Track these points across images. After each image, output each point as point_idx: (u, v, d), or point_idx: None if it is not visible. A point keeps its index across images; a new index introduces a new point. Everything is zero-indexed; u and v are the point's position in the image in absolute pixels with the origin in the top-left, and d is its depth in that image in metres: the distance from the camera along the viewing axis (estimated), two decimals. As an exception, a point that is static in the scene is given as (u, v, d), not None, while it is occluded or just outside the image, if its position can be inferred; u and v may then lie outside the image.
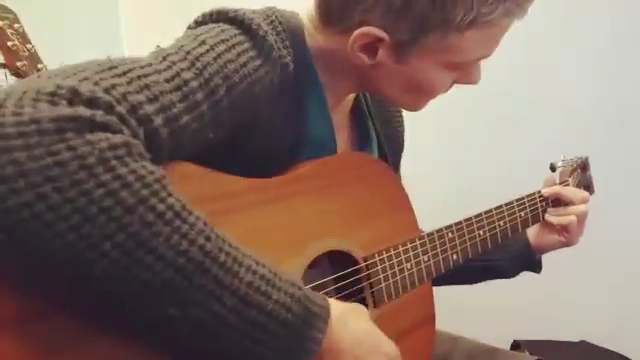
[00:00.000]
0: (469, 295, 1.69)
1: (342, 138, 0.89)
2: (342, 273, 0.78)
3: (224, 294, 0.53)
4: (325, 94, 0.81)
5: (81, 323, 0.52)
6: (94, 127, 0.49)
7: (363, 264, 0.80)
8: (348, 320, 0.64)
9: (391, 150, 0.97)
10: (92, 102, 0.50)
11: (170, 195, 0.52)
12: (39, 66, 1.17)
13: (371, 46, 0.74)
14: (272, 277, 0.58)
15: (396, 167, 1.02)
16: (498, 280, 1.18)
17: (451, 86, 0.82)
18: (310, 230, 0.75)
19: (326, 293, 0.76)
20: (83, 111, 0.49)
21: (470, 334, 1.53)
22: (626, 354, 1.81)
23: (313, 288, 0.74)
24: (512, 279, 1.17)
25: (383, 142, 0.95)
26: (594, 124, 1.82)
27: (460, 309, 1.83)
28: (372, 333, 0.68)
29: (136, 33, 1.91)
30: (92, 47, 1.72)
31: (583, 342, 1.88)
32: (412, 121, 1.02)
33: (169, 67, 0.60)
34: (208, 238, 0.53)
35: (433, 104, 0.85)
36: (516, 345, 1.87)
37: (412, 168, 1.06)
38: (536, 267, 1.08)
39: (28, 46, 1.16)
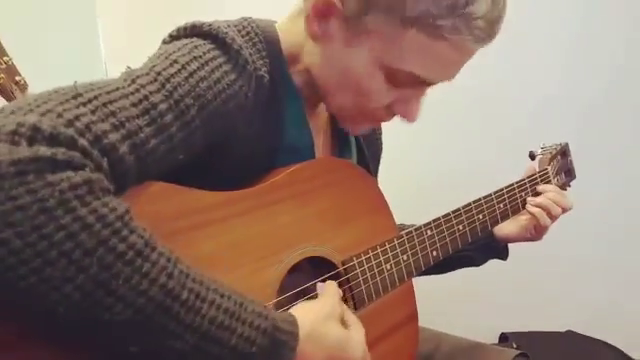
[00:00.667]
0: (458, 291, 1.68)
1: (320, 143, 0.87)
2: (321, 278, 0.75)
3: (186, 332, 0.52)
4: (302, 101, 0.79)
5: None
6: (56, 167, 0.48)
7: (341, 268, 0.77)
8: (316, 337, 0.63)
9: (370, 153, 0.95)
10: (53, 139, 0.48)
11: (132, 232, 0.50)
12: (17, 78, 1.14)
13: (325, 13, 0.71)
14: (237, 309, 0.57)
15: (375, 170, 0.99)
16: (485, 275, 1.15)
17: (389, 115, 0.78)
18: (287, 237, 0.72)
19: (308, 299, 0.74)
20: (44, 151, 0.47)
21: (459, 329, 1.50)
22: (611, 342, 1.81)
23: (294, 295, 0.72)
24: (500, 273, 1.15)
25: (362, 145, 0.93)
26: (572, 113, 1.81)
27: (449, 305, 1.81)
28: (342, 343, 0.66)
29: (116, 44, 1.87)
30: (70, 58, 1.67)
31: (569, 332, 1.88)
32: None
33: (137, 90, 0.58)
34: (170, 275, 0.52)
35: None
36: (504, 338, 1.86)
37: (391, 163, 1.03)
38: (502, 255, 1.07)
39: (5, 59, 1.13)
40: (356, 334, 0.69)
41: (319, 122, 0.86)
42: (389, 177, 1.02)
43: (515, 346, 1.77)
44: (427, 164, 1.82)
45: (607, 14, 1.80)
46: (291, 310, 0.64)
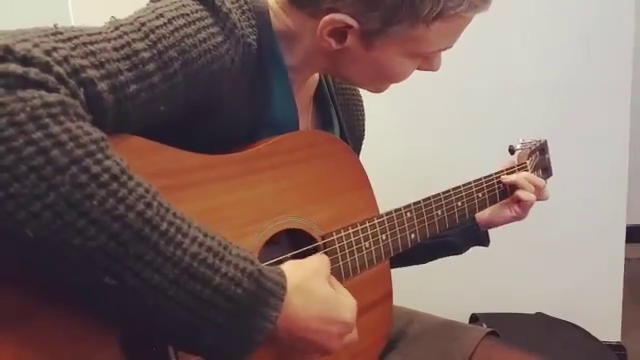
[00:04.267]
0: (429, 271, 1.67)
1: (305, 121, 0.84)
2: (299, 251, 0.73)
3: (165, 265, 0.48)
4: (289, 76, 0.76)
5: (20, 295, 0.48)
6: (27, 84, 0.44)
7: (321, 242, 0.75)
8: (305, 291, 0.61)
9: (352, 137, 0.93)
10: (26, 60, 0.45)
11: (108, 157, 0.47)
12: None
13: (340, 31, 0.70)
14: (221, 250, 0.53)
15: (357, 151, 0.98)
16: (457, 257, 1.14)
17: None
18: (268, 208, 0.70)
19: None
20: (14, 67, 0.44)
21: (429, 309, 1.51)
22: (580, 324, 1.81)
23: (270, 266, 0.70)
24: (472, 256, 1.14)
25: (345, 129, 0.91)
26: (553, 108, 1.79)
27: (420, 285, 1.81)
28: (330, 301, 0.63)
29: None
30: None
31: (539, 314, 1.88)
32: (373, 103, 0.98)
33: (120, 36, 0.55)
34: (149, 205, 0.48)
35: (393, 87, 0.81)
36: (474, 318, 1.86)
37: (372, 150, 1.02)
38: (484, 241, 1.05)
39: None
40: (345, 297, 0.66)
41: (305, 99, 0.83)
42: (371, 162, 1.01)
43: (485, 327, 1.78)
44: (403, 151, 1.80)
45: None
46: (275, 260, 0.63)
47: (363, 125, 0.98)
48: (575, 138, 1.77)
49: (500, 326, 1.76)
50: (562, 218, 1.83)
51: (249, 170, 0.69)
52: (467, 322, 1.87)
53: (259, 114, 0.73)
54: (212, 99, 0.66)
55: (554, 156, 1.10)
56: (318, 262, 0.66)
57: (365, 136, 0.99)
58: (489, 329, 0.90)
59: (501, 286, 1.90)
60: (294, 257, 0.73)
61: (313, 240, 0.75)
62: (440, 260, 1.07)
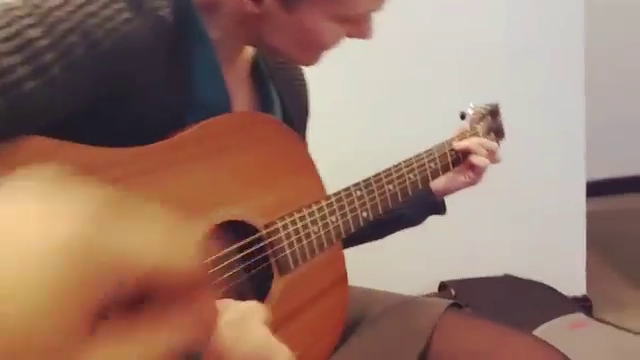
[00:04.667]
0: (395, 244, 1.64)
1: (240, 102, 0.78)
2: (240, 244, 0.68)
3: None
4: (215, 51, 0.69)
5: None
6: None
7: (264, 232, 0.70)
8: (240, 327, 0.55)
9: (296, 115, 0.87)
10: None
11: None
12: None
13: None
14: None
15: (302, 133, 0.92)
16: (422, 227, 1.11)
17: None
18: (200, 200, 0.64)
19: (231, 264, 0.67)
20: None
21: (399, 282, 1.49)
22: (546, 282, 1.82)
23: (215, 260, 0.65)
24: (436, 223, 1.11)
25: (287, 107, 0.85)
26: (504, 71, 1.76)
27: (387, 259, 1.79)
28: (266, 343, 0.55)
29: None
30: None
31: (507, 276, 1.88)
32: (318, 77, 0.92)
33: (9, 24, 0.48)
34: None
35: (339, 58, 0.76)
36: (443, 286, 1.85)
37: (320, 126, 0.96)
38: (440, 210, 1.01)
39: None
40: (282, 346, 0.57)
41: (238, 75, 0.77)
42: (319, 141, 0.96)
43: (454, 293, 1.77)
44: (354, 124, 1.75)
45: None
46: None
47: (307, 102, 0.92)
48: (530, 98, 1.75)
49: (469, 291, 1.78)
50: (523, 179, 1.82)
51: (175, 160, 0.63)
52: (436, 290, 1.86)
53: (182, 95, 0.66)
54: (123, 83, 0.59)
55: (510, 118, 1.06)
56: (255, 306, 0.58)
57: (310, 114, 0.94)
58: (451, 301, 0.87)
59: (468, 252, 1.89)
60: (241, 250, 0.68)
61: (255, 230, 0.70)
62: (406, 232, 1.03)
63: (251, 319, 0.56)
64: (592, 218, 1.94)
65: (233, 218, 0.68)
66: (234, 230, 0.70)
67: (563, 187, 1.85)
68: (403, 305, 0.90)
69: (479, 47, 1.74)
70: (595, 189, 2.01)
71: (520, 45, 1.75)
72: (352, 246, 0.99)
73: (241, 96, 0.79)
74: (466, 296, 1.73)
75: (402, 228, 1.01)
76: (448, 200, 1.03)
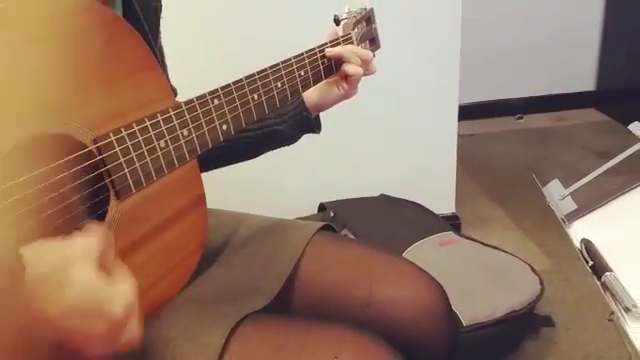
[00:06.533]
0: (275, 166, 1.57)
1: None
2: (61, 161, 0.54)
3: None
4: None
5: None
6: None
7: (92, 147, 0.57)
8: (57, 280, 0.44)
9: (145, 9, 0.72)
10: None
11: None
12: None
13: None
14: None
15: (154, 30, 0.77)
16: (301, 148, 1.02)
17: None
18: (5, 110, 0.50)
19: (59, 187, 0.54)
20: None
21: (278, 206, 1.42)
22: (419, 201, 1.85)
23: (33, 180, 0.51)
24: (316, 145, 1.03)
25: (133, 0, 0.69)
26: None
27: (266, 182, 1.71)
28: (91, 294, 0.46)
29: None
30: None
31: (382, 196, 1.89)
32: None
33: None
34: None
35: None
36: (322, 208, 1.82)
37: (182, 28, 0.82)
38: (315, 128, 0.92)
39: None
40: (119, 285, 0.48)
41: None
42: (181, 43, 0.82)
43: (332, 215, 1.74)
44: (219, 27, 1.59)
45: None
46: (25, 248, 0.44)
47: None
48: (406, 15, 1.69)
49: (347, 212, 1.76)
50: (396, 101, 1.79)
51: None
52: (316, 212, 1.83)
53: None
54: None
55: (384, 32, 0.97)
56: (82, 244, 0.47)
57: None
58: (321, 223, 0.80)
59: (346, 175, 1.86)
60: (57, 172, 0.54)
61: (84, 147, 0.56)
62: (284, 152, 0.93)
63: (70, 268, 0.45)
64: (462, 140, 1.98)
65: (50, 131, 0.53)
66: (62, 149, 0.56)
67: (436, 110, 1.85)
68: (273, 229, 0.82)
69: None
70: (465, 113, 2.04)
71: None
72: (221, 166, 0.88)
73: None
74: (344, 217, 1.71)
75: (276, 146, 0.92)
76: (325, 120, 0.94)
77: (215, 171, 0.86)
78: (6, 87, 0.50)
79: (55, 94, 0.54)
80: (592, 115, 3.02)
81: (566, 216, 1.00)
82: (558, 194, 1.17)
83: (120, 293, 0.47)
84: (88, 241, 0.48)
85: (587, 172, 1.63)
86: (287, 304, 0.75)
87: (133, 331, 0.48)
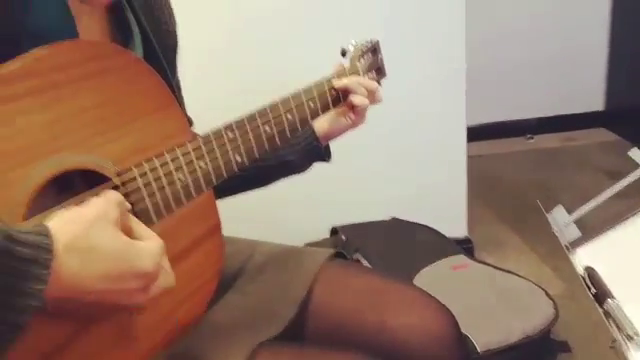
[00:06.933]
0: (285, 191, 1.60)
1: (89, 31, 0.67)
2: (86, 193, 0.58)
3: None
4: None
5: None
6: None
7: (117, 180, 0.61)
8: (83, 249, 0.47)
9: (163, 47, 0.76)
10: None
11: None
12: None
13: None
14: None
15: (172, 66, 0.82)
16: (312, 174, 1.06)
17: None
18: (36, 145, 0.54)
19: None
20: None
21: (292, 227, 1.45)
22: (430, 224, 1.87)
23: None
24: (328, 169, 1.07)
25: (151, 38, 0.74)
26: (386, 10, 1.73)
27: (276, 207, 1.75)
28: (119, 254, 0.50)
29: None
30: None
31: (394, 219, 1.91)
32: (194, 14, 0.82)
33: None
34: None
35: None
36: (334, 231, 1.84)
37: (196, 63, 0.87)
38: (325, 157, 0.96)
39: None
40: (143, 242, 0.53)
41: (86, 5, 0.65)
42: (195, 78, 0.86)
43: (344, 238, 1.77)
44: (232, 60, 1.65)
45: None
46: (45, 220, 0.48)
47: (174, 31, 0.82)
48: (413, 40, 1.74)
49: (359, 236, 1.79)
50: (405, 124, 1.83)
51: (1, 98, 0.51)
52: (328, 235, 1.86)
53: (16, 21, 0.56)
54: None
55: (391, 58, 1.02)
56: (100, 207, 0.51)
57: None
58: (331, 250, 0.83)
59: (357, 196, 1.89)
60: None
61: (108, 179, 0.60)
62: (296, 178, 0.97)
63: (94, 231, 0.49)
64: (473, 162, 2.01)
65: (78, 166, 0.58)
66: (88, 182, 0.60)
67: (445, 132, 1.89)
68: (286, 256, 0.85)
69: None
70: (474, 134, 2.07)
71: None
72: (235, 194, 0.92)
73: (92, 26, 0.68)
74: (357, 241, 1.73)
75: (288, 175, 0.96)
76: (335, 146, 0.98)
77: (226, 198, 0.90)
78: (41, 125, 0.54)
79: (83, 131, 0.58)
80: (602, 135, 3.04)
81: (570, 243, 1.01)
82: (562, 220, 1.19)
83: (146, 249, 0.52)
84: (103, 203, 0.52)
85: (598, 192, 1.65)
86: (300, 331, 0.78)
87: (167, 278, 0.55)
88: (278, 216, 1.81)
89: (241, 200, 0.92)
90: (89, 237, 0.48)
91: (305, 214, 1.86)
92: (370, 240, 1.77)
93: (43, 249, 0.44)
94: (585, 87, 3.08)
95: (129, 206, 0.57)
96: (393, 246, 1.76)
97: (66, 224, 0.48)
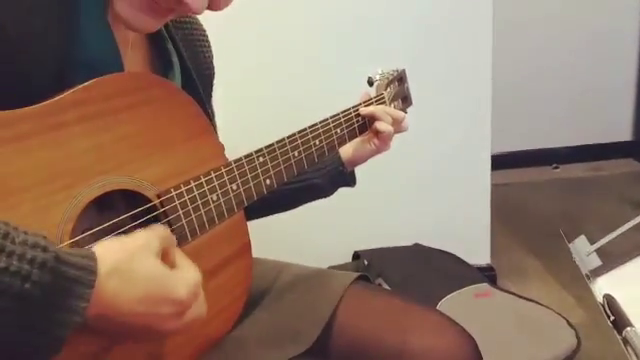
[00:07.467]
0: (308, 215, 1.64)
1: (134, 63, 0.72)
2: (129, 214, 0.63)
3: None
4: (104, 3, 0.64)
5: None
6: None
7: (157, 201, 0.65)
8: (124, 273, 0.51)
9: (200, 77, 0.82)
10: None
11: None
12: None
13: None
14: (0, 241, 0.44)
15: (208, 94, 0.87)
16: (337, 198, 1.10)
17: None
18: (83, 168, 0.59)
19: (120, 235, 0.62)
20: None
21: (313, 253, 1.48)
22: (453, 251, 1.89)
23: (99, 234, 0.60)
24: (352, 194, 1.11)
25: (190, 68, 0.79)
26: (416, 36, 1.77)
27: (300, 229, 1.78)
28: (157, 280, 0.54)
29: None
30: None
31: (416, 245, 1.93)
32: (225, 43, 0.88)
33: None
34: None
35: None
36: (356, 256, 1.87)
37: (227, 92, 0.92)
38: (350, 182, 1.00)
39: None
40: (181, 272, 0.57)
41: (130, 34, 0.70)
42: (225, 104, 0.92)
43: (366, 263, 1.79)
44: (263, 90, 1.72)
45: None
46: (91, 246, 0.52)
47: (211, 62, 0.87)
48: (439, 68, 1.78)
49: (381, 261, 1.81)
50: (430, 151, 1.86)
51: (51, 126, 0.56)
52: (350, 259, 1.88)
53: (67, 51, 0.60)
54: None
55: (418, 86, 1.06)
56: (143, 238, 0.56)
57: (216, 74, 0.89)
58: (357, 274, 0.86)
59: (381, 222, 1.92)
60: (124, 223, 0.63)
61: (148, 200, 0.65)
62: (320, 202, 1.01)
63: (137, 258, 0.53)
64: (497, 190, 2.02)
65: (120, 187, 0.62)
66: (128, 202, 0.65)
67: (469, 160, 1.91)
68: (312, 277, 0.88)
69: (390, 15, 1.74)
70: (499, 162, 2.09)
71: (430, 13, 1.77)
72: (263, 216, 0.96)
73: (136, 56, 0.73)
74: (379, 266, 1.76)
75: (313, 199, 0.99)
76: (360, 171, 1.02)
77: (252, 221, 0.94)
78: (89, 149, 0.59)
79: (126, 156, 0.63)
80: (629, 165, 3.02)
81: (590, 272, 1.03)
82: (584, 250, 1.20)
83: (183, 279, 0.56)
84: (148, 235, 0.56)
85: (623, 224, 1.65)
86: (324, 350, 0.80)
87: (200, 309, 0.58)
88: (301, 240, 1.85)
89: (264, 224, 0.96)
90: (131, 263, 0.52)
91: (328, 238, 1.89)
92: (392, 265, 1.79)
93: (88, 270, 0.48)
94: (613, 117, 3.08)
95: (175, 241, 0.61)
96: (415, 272, 1.78)
97: (111, 250, 0.52)
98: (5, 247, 0.44)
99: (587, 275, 1.00)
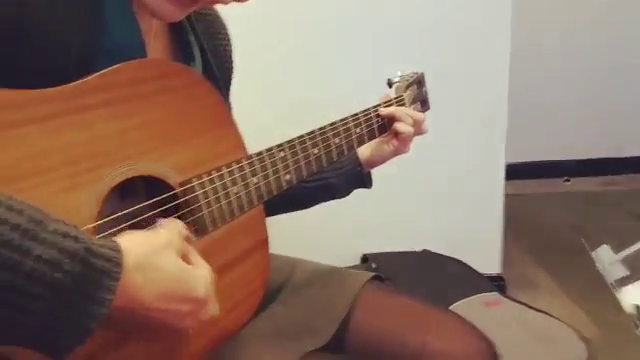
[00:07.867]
0: (319, 215, 1.64)
1: (157, 51, 0.73)
2: (153, 200, 0.64)
3: None
4: None
5: None
6: None
7: (179, 190, 0.66)
8: (148, 269, 0.52)
9: (220, 70, 0.83)
10: None
11: None
12: None
13: None
14: (33, 228, 0.44)
15: (226, 89, 0.88)
16: (347, 200, 1.10)
17: None
18: (108, 152, 0.60)
19: (141, 221, 0.63)
20: None
21: (321, 253, 1.48)
22: (463, 259, 1.89)
23: (120, 219, 0.61)
24: (363, 197, 1.11)
25: (211, 60, 0.80)
26: (433, 42, 1.78)
27: (310, 229, 1.79)
28: (179, 278, 0.55)
29: None
30: None
31: (425, 251, 1.93)
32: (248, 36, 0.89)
33: None
34: None
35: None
36: (365, 259, 1.87)
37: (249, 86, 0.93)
38: (367, 183, 1.00)
39: None
40: (199, 269, 0.58)
41: (153, 23, 0.72)
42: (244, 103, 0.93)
43: (374, 266, 1.80)
44: (281, 90, 1.74)
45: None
46: (116, 238, 0.53)
47: (231, 56, 0.88)
48: (455, 76, 1.78)
49: (389, 265, 1.81)
50: (445, 161, 1.86)
51: (77, 108, 0.57)
52: (358, 262, 1.89)
53: (91, 39, 0.62)
54: (20, 20, 0.54)
55: (434, 92, 1.07)
56: (166, 235, 0.56)
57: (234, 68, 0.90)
58: (373, 274, 0.87)
59: (389, 227, 1.92)
60: (153, 207, 0.64)
61: (170, 187, 0.66)
62: (330, 204, 1.02)
63: (160, 255, 0.54)
64: (509, 200, 2.02)
65: (144, 173, 0.63)
66: (148, 188, 0.66)
67: (483, 169, 1.91)
68: (328, 274, 0.89)
69: (407, 23, 1.76)
70: (513, 172, 2.09)
71: (446, 21, 1.78)
72: (278, 213, 0.96)
73: (158, 43, 0.74)
74: (387, 270, 1.76)
75: (329, 198, 1.00)
76: (374, 175, 1.03)
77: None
78: (114, 134, 0.60)
79: (149, 142, 0.64)
80: (643, 180, 3.01)
81: (616, 281, 1.03)
82: (608, 260, 1.20)
83: (201, 277, 0.57)
84: (171, 233, 0.57)
85: (636, 239, 1.64)
86: (340, 345, 0.81)
87: (214, 308, 0.59)
88: (310, 240, 1.85)
89: (273, 223, 0.97)
90: (155, 259, 0.53)
91: (337, 240, 1.89)
92: (400, 270, 1.80)
93: (114, 263, 0.49)
94: (627, 131, 3.07)
95: (191, 236, 0.62)
96: (424, 278, 1.78)
97: (137, 244, 0.53)
98: (38, 235, 0.45)
99: (612, 284, 1.00)
